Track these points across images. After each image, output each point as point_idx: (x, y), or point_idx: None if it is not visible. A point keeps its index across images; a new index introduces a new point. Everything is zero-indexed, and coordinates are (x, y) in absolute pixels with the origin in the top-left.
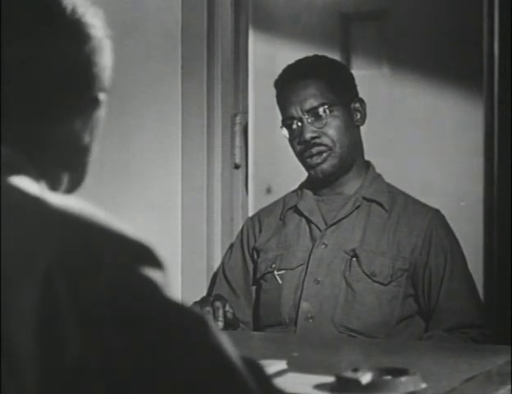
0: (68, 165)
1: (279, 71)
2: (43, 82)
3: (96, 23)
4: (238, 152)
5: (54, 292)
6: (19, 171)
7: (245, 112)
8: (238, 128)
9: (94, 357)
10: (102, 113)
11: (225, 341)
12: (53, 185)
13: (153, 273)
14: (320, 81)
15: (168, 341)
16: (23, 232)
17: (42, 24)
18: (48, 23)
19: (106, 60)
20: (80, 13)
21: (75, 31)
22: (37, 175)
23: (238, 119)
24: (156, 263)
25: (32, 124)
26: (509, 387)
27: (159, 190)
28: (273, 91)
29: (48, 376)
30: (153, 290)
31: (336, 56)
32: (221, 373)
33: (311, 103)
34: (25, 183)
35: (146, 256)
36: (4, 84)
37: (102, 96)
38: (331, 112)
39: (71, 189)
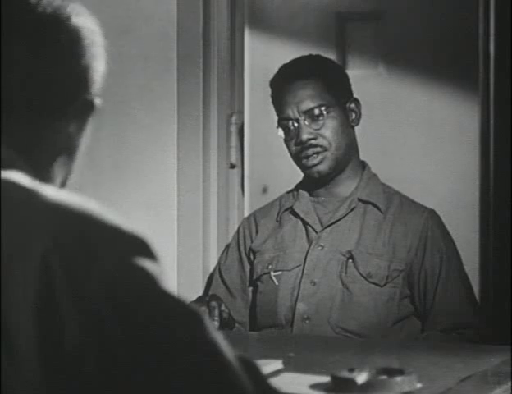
0: (60, 165)
1: (275, 70)
2: (43, 86)
3: (95, 29)
4: (234, 152)
5: (51, 279)
6: (13, 166)
7: (241, 112)
8: (234, 128)
9: (92, 344)
10: (93, 116)
11: (218, 335)
12: (45, 183)
13: (147, 264)
14: (316, 81)
15: (163, 332)
16: (18, 222)
17: (43, 30)
18: (50, 30)
19: (102, 65)
20: (82, 20)
21: (77, 38)
22: (31, 172)
23: (234, 119)
24: (150, 254)
25: (30, 126)
26: (506, 386)
27: (155, 190)
28: (269, 91)
29: (47, 362)
30: (148, 280)
31: (331, 55)
32: (214, 367)
33: (308, 104)
34: (19, 176)
35: (140, 247)
36: (5, 87)
37: (97, 100)
38: (328, 113)
39: (61, 187)
